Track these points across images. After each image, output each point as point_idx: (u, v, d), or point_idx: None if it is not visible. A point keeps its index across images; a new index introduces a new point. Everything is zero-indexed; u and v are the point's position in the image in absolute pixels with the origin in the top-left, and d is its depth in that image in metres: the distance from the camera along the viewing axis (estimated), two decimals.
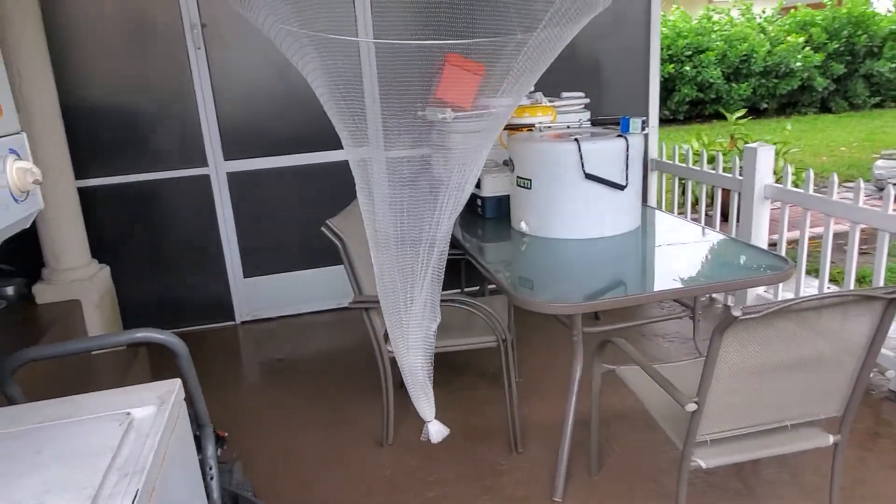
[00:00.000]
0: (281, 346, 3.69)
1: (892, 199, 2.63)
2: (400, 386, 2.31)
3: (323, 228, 2.40)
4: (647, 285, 2.31)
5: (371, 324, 2.44)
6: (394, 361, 2.51)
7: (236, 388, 3.23)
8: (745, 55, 12.40)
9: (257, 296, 3.98)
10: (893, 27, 12.95)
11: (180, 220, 3.76)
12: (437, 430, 2.23)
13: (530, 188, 2.71)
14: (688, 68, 12.24)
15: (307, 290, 4.03)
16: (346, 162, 3.96)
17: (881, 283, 2.78)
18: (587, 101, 3.67)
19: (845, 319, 1.60)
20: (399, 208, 2.13)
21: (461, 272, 3.56)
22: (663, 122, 9.42)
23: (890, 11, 13.29)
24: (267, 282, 3.98)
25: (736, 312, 1.44)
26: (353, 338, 3.70)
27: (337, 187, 3.90)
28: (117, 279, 3.54)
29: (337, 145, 3.82)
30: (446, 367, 3.19)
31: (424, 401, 2.18)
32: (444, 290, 2.78)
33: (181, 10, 3.47)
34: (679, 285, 2.15)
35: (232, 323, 4.00)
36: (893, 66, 12.90)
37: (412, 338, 2.09)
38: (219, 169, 3.73)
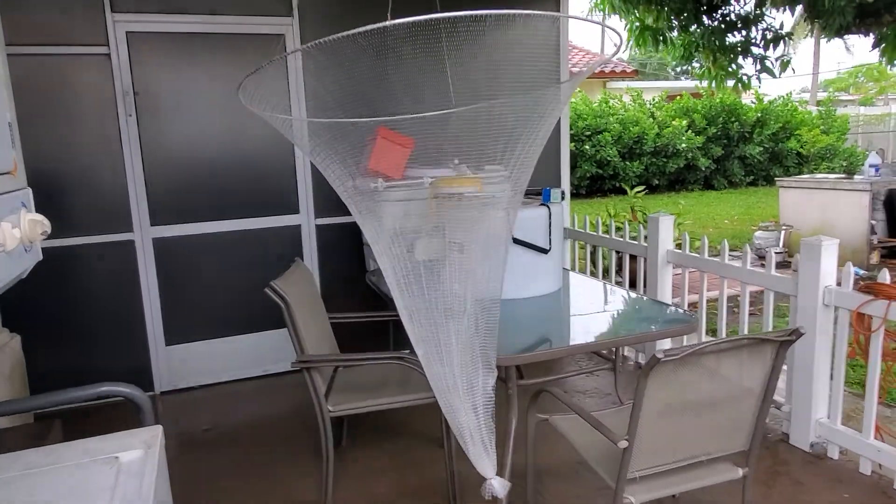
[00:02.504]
0: (207, 415, 3.58)
1: (773, 262, 3.02)
2: (336, 448, 2.33)
3: (266, 290, 2.45)
4: (570, 340, 2.51)
5: (313, 384, 2.48)
6: (334, 421, 2.55)
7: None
8: (637, 136, 13.60)
9: (179, 364, 3.87)
10: (758, 115, 14.72)
11: (101, 286, 3.65)
12: (500, 485, 2.12)
13: (462, 253, 2.90)
14: (587, 147, 13.24)
15: (231, 358, 3.96)
16: (273, 229, 4.04)
17: None
18: (506, 173, 3.96)
19: (746, 361, 1.84)
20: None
21: (390, 333, 3.65)
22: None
23: (754, 103, 15.11)
24: (190, 349, 3.88)
25: (659, 355, 1.65)
26: (282, 404, 3.66)
27: (263, 253, 3.94)
28: (28, 349, 3.36)
29: (264, 212, 3.93)
30: (383, 425, 3.23)
31: (486, 458, 2.07)
32: (372, 350, 2.86)
33: (114, 77, 3.51)
34: (599, 339, 2.36)
35: (150, 393, 3.84)
36: (761, 149, 14.57)
37: (470, 397, 1.98)
38: (144, 234, 3.69)
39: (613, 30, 1.86)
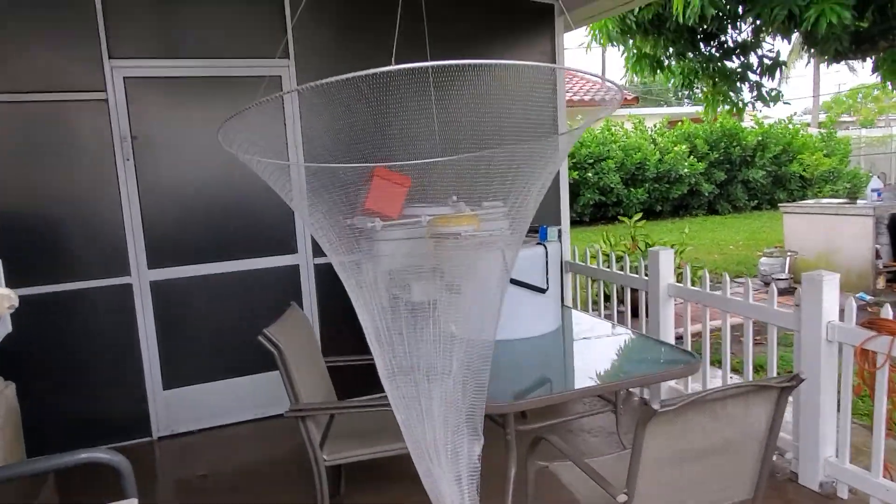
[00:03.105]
0: (204, 461, 3.53)
1: (775, 295, 2.98)
2: (333, 496, 2.29)
3: (260, 338, 2.42)
4: (570, 383, 2.47)
5: (307, 433, 2.44)
6: (330, 470, 2.50)
7: None
8: (639, 163, 13.63)
9: (177, 408, 3.82)
10: (759, 139, 14.75)
11: (98, 331, 3.64)
12: None
13: (459, 293, 2.87)
14: (590, 175, 13.27)
15: (230, 400, 3.92)
16: (271, 269, 4.03)
17: (774, 372, 3.09)
18: (505, 209, 3.95)
19: (747, 407, 1.80)
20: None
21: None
22: (571, 223, 10.09)
23: (755, 126, 15.17)
24: (188, 393, 3.84)
25: (655, 406, 1.60)
26: (280, 448, 3.60)
27: (261, 294, 3.93)
28: (24, 397, 3.33)
29: (262, 253, 3.92)
30: (382, 472, 3.17)
31: None
32: (361, 395, 2.81)
33: (111, 123, 3.54)
34: (599, 382, 2.31)
35: (148, 439, 3.79)
36: (764, 173, 14.56)
37: (454, 465, 1.80)
38: (142, 278, 3.68)
39: (614, 83, 1.84)
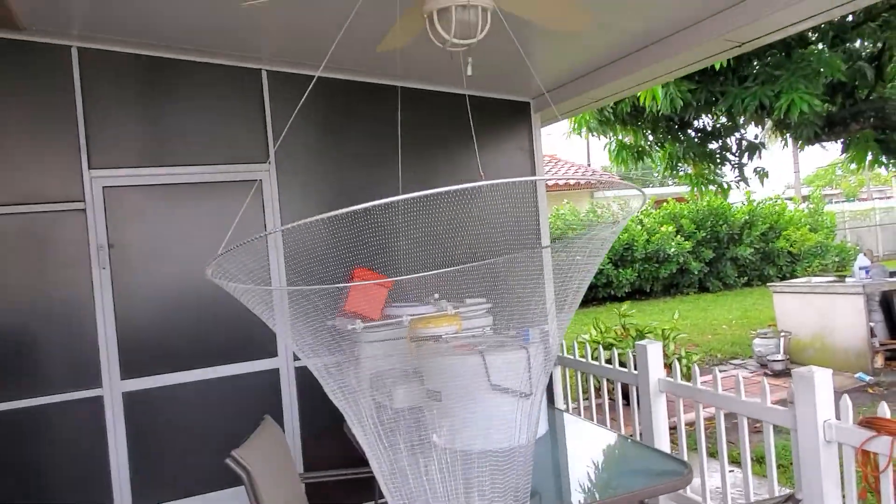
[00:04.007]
0: None
1: (768, 394, 2.88)
2: None
3: (228, 461, 2.29)
4: (556, 499, 2.33)
5: None
6: None
7: None
8: (627, 244, 13.74)
9: None
10: (746, 217, 14.98)
11: (65, 448, 3.46)
12: None
13: (440, 400, 2.76)
14: (578, 257, 13.31)
15: None
16: (250, 374, 3.91)
17: (774, 469, 2.95)
18: (489, 305, 3.89)
19: None
20: None
21: (375, 489, 3.43)
22: None
23: (743, 203, 15.45)
24: None
25: None
26: None
27: (239, 401, 3.79)
28: None
29: (240, 358, 3.82)
30: None
31: None
32: None
33: (89, 232, 3.52)
34: (590, 497, 2.18)
35: None
36: (752, 250, 14.69)
37: None
38: (114, 389, 3.55)
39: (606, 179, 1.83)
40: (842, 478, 2.64)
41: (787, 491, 3.01)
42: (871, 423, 2.48)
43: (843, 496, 2.62)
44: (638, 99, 6.60)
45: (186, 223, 3.76)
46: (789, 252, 15.12)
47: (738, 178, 7.95)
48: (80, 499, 3.48)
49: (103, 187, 3.56)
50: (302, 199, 3.98)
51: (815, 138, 7.66)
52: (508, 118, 4.64)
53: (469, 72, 1.91)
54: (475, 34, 1.96)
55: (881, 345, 6.98)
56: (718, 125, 7.80)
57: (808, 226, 15.55)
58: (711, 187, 7.94)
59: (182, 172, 3.72)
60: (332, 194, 3.99)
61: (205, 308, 3.76)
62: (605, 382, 4.10)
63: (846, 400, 2.59)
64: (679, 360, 3.56)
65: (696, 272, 14.22)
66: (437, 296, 3.85)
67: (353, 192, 3.85)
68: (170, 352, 3.70)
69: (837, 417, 2.63)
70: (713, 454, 4.29)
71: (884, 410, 2.46)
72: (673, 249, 13.86)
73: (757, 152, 7.69)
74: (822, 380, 2.65)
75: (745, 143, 7.77)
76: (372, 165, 4.13)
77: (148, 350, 3.64)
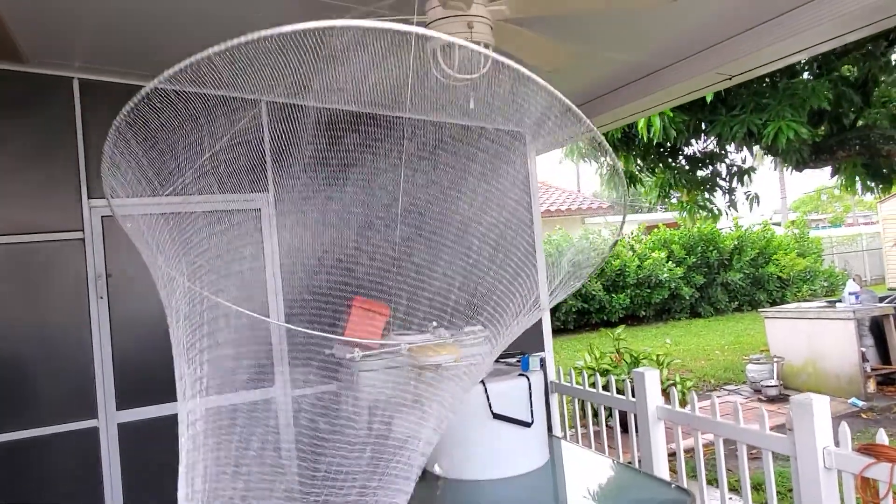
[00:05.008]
0: None
1: (766, 421, 2.89)
2: None
3: None
4: None
5: None
6: None
7: None
8: (619, 269, 13.81)
9: None
10: (735, 243, 15.13)
11: (57, 480, 3.40)
12: None
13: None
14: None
15: None
16: (257, 403, 3.86)
17: (774, 498, 2.96)
18: (486, 333, 3.90)
19: None
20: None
21: None
22: (555, 332, 10.02)
23: (732, 230, 15.61)
24: None
25: None
26: None
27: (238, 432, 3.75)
28: None
29: (238, 386, 3.78)
30: None
31: None
32: None
33: (87, 261, 3.51)
34: None
35: None
36: (742, 276, 14.81)
37: None
38: (109, 420, 3.51)
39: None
40: None
41: None
42: (871, 450, 2.50)
43: None
44: (629, 126, 6.71)
45: (184, 252, 3.76)
46: (779, 277, 15.24)
47: (729, 204, 8.07)
48: None
49: (102, 217, 3.57)
50: (301, 226, 4.00)
51: (803, 164, 7.81)
52: (504, 147, 4.70)
53: (472, 105, 1.96)
54: (477, 70, 2.01)
55: (873, 370, 7.03)
56: (707, 152, 7.93)
57: (795, 251, 15.71)
58: (703, 213, 8.04)
59: (181, 202, 3.73)
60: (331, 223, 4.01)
61: None
62: (602, 411, 4.10)
63: (845, 427, 2.62)
64: (674, 385, 3.57)
65: (687, 297, 14.30)
66: (434, 324, 3.86)
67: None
68: (165, 382, 3.64)
69: (836, 444, 2.65)
70: (710, 482, 4.28)
71: (882, 437, 2.48)
72: (665, 275, 13.95)
73: (747, 176, 7.82)
74: (821, 407, 2.67)
75: (735, 168, 7.90)
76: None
77: (144, 380, 3.61)
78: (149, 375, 3.63)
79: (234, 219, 3.85)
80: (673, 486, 2.51)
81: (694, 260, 14.58)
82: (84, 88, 3.55)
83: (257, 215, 3.92)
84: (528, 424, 2.73)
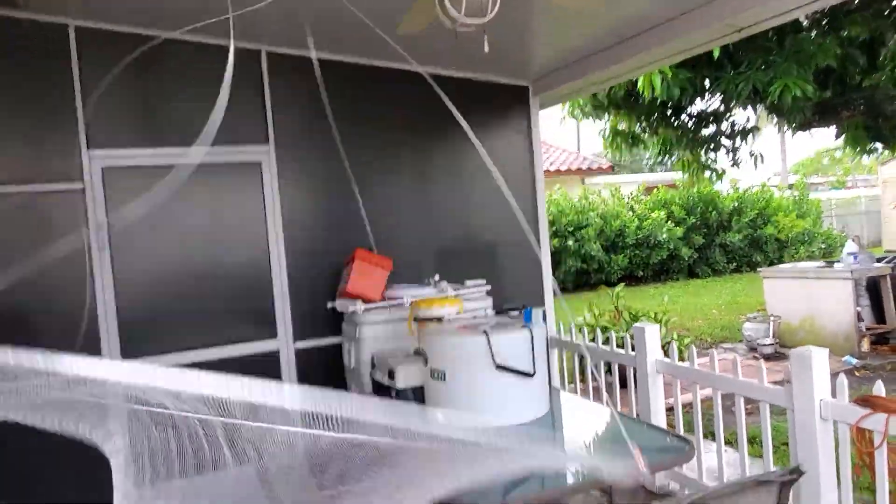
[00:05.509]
0: None
1: (765, 374, 2.93)
2: None
3: None
4: (563, 479, 2.36)
5: None
6: None
7: None
8: (619, 230, 13.80)
9: None
10: (735, 204, 15.08)
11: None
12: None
13: (445, 380, 2.79)
14: (571, 243, 13.38)
15: None
16: (250, 356, 3.88)
17: (770, 450, 3.02)
18: (488, 287, 3.91)
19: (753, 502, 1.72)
20: None
21: None
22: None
23: (730, 191, 15.55)
24: None
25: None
26: None
27: None
28: None
29: (241, 339, 3.82)
30: None
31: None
32: None
33: (88, 212, 3.49)
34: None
35: None
36: (741, 237, 14.82)
37: None
38: None
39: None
40: (837, 455, 2.71)
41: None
42: (867, 401, 2.54)
43: (838, 473, 2.68)
44: (632, 83, 6.61)
45: (185, 204, 3.74)
46: (777, 239, 15.25)
47: (733, 163, 8.00)
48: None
49: (102, 167, 3.53)
50: (301, 181, 3.98)
51: (806, 124, 7.73)
52: (508, 101, 4.65)
53: (486, 49, 1.92)
54: (486, 12, 1.96)
55: (868, 329, 7.10)
56: (711, 111, 7.83)
57: (795, 212, 15.69)
58: (706, 173, 7.99)
59: (181, 153, 3.70)
60: (332, 176, 3.97)
61: (204, 288, 3.77)
62: (602, 366, 4.15)
63: (843, 379, 2.65)
64: (673, 341, 3.61)
65: (686, 258, 14.33)
66: (437, 277, 3.87)
67: (354, 173, 3.82)
68: (169, 333, 3.70)
69: (833, 396, 2.69)
70: (706, 436, 4.36)
71: (879, 389, 2.52)
72: (664, 235, 13.95)
73: (751, 135, 7.74)
74: (820, 359, 2.71)
75: (738, 127, 7.81)
76: (370, 147, 4.13)
77: (147, 331, 3.64)
78: (152, 326, 3.66)
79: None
80: (672, 434, 2.55)
81: (693, 220, 14.56)
82: (80, 36, 3.48)
83: (257, 168, 3.88)
84: (530, 375, 2.76)
